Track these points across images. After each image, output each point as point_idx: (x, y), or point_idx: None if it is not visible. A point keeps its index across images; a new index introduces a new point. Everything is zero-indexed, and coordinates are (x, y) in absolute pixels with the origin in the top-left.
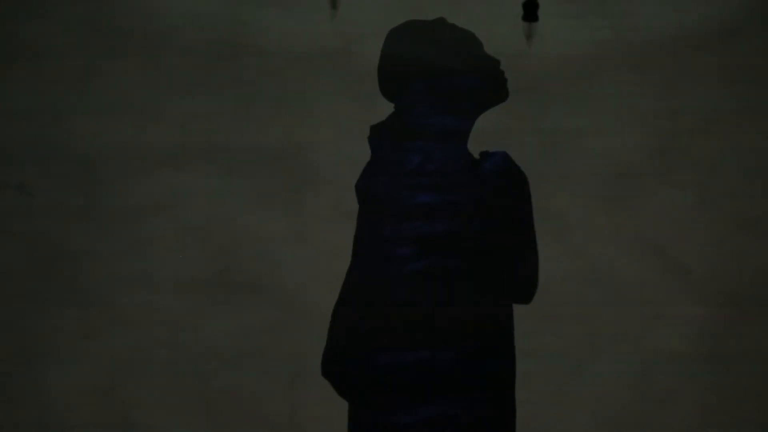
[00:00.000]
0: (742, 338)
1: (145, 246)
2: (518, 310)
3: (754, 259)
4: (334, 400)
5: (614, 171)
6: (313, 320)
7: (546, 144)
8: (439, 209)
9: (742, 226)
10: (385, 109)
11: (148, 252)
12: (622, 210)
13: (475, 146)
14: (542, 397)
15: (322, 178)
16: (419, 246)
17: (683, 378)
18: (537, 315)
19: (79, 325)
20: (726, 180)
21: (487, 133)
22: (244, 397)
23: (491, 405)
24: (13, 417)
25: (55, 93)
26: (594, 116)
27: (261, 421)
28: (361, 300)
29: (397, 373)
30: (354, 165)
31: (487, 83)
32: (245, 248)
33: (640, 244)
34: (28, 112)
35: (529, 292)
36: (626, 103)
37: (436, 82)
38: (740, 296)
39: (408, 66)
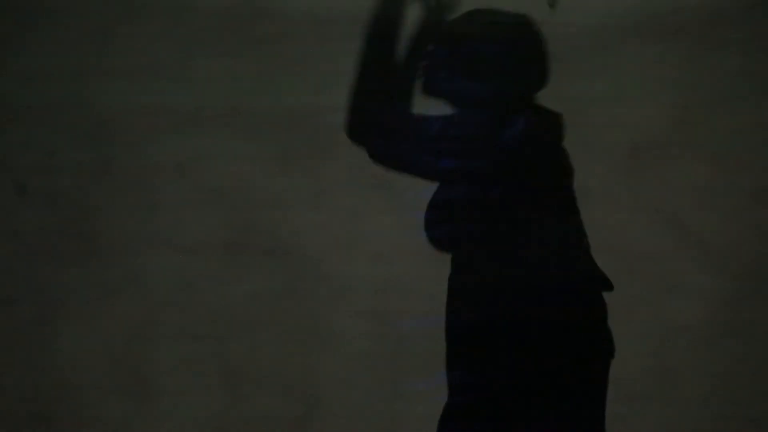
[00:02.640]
0: (758, 310)
1: (163, 207)
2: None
3: None
4: (350, 364)
5: (634, 141)
6: (330, 284)
7: (567, 113)
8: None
9: (760, 198)
10: None
11: (166, 213)
12: (640, 180)
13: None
14: None
15: (341, 142)
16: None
17: (699, 349)
18: None
19: (96, 285)
20: (745, 152)
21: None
22: (259, 360)
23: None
24: (28, 378)
25: (76, 54)
26: (616, 86)
27: (276, 384)
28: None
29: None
30: None
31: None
32: (263, 211)
33: (657, 215)
34: (48, 74)
35: None
36: (648, 73)
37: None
38: (757, 268)
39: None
